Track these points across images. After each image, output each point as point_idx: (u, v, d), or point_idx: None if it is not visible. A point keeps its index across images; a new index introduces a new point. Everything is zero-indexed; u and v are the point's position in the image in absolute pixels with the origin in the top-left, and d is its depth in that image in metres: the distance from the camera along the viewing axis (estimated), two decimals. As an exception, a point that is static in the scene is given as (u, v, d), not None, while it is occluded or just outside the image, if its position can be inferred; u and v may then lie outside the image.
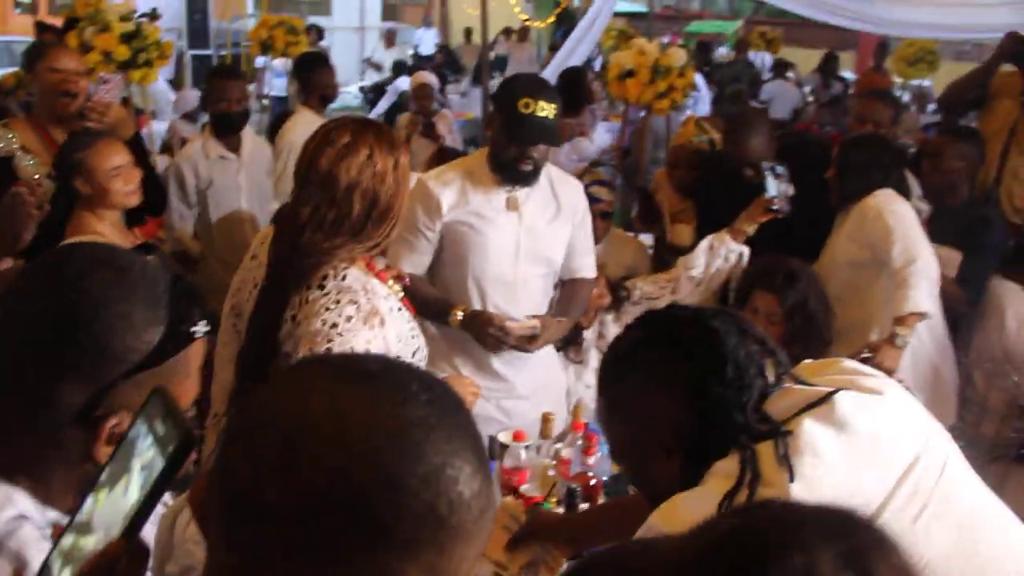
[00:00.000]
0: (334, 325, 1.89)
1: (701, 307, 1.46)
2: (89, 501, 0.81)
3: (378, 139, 2.01)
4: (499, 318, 2.70)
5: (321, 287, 1.93)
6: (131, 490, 0.77)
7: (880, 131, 3.88)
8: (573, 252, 2.91)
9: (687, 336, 1.37)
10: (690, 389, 1.34)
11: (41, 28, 6.92)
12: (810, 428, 1.28)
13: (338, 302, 1.91)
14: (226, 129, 4.08)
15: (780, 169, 3.14)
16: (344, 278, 1.95)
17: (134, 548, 0.75)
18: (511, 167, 2.69)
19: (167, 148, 6.77)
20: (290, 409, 0.69)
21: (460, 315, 2.70)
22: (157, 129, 6.85)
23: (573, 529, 1.96)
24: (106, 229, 2.84)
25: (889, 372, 2.82)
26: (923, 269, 3.00)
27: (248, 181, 4.17)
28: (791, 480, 1.23)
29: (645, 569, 0.82)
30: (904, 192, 3.37)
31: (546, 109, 2.61)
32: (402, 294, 2.13)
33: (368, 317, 1.93)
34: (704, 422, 1.34)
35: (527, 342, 2.73)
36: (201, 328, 1.06)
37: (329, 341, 1.88)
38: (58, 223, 2.85)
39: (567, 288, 2.94)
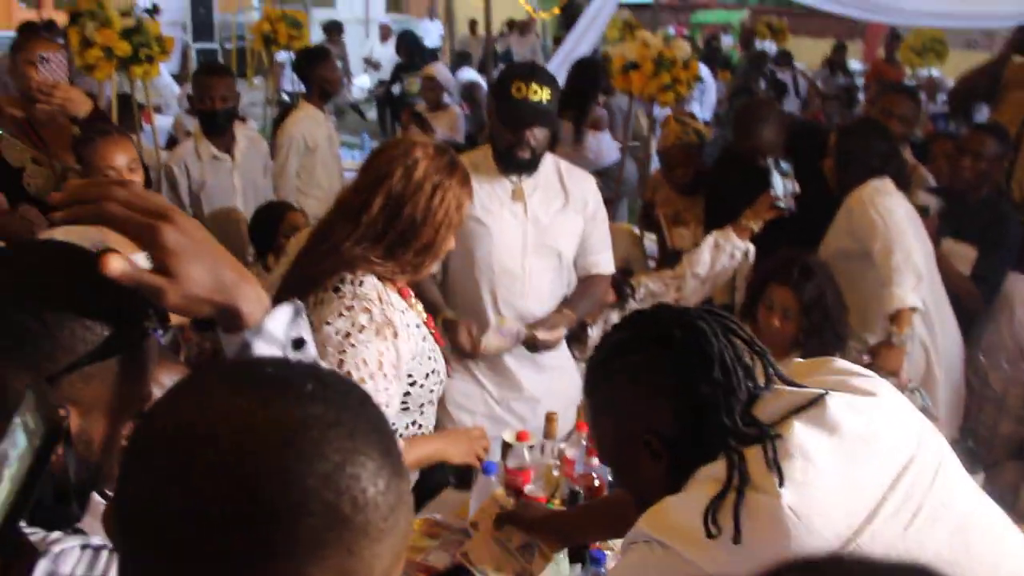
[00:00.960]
0: (347, 335, 1.86)
1: (687, 307, 1.43)
2: None
3: (439, 159, 1.96)
4: (468, 329, 2.62)
5: (336, 290, 1.91)
6: (4, 490, 0.75)
7: (903, 126, 3.83)
8: (587, 248, 2.86)
9: (672, 337, 1.35)
10: (676, 391, 1.33)
11: (25, 26, 6.89)
12: (800, 431, 1.24)
13: (351, 308, 1.88)
14: (212, 128, 3.99)
15: (785, 166, 3.10)
16: (361, 284, 1.92)
17: (10, 550, 0.73)
18: (509, 154, 2.66)
19: (173, 142, 6.74)
20: (185, 418, 0.68)
21: (441, 321, 2.61)
22: (162, 124, 6.82)
23: (559, 524, 1.95)
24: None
25: (892, 374, 2.78)
26: (902, 264, 2.96)
27: (243, 182, 4.09)
28: (780, 485, 1.20)
29: None
30: (903, 181, 3.31)
31: (539, 92, 2.56)
32: (426, 316, 2.09)
33: (381, 328, 1.90)
34: (690, 424, 1.32)
35: (534, 341, 2.68)
36: (153, 325, 1.05)
37: (341, 352, 1.85)
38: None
39: (581, 283, 2.90)
